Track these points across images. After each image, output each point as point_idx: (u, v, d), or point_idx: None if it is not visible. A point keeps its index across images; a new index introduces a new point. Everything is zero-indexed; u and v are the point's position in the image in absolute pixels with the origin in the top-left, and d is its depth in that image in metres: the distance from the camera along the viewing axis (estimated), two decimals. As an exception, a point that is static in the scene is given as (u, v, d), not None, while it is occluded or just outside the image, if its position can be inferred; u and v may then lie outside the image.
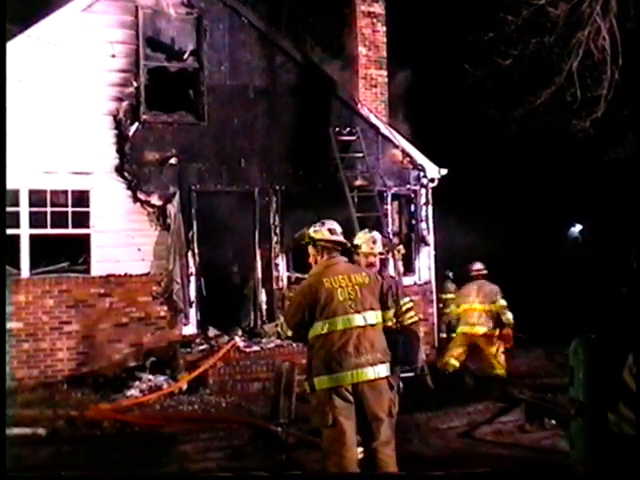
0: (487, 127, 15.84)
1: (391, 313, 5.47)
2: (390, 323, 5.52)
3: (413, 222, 13.67)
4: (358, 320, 5.14)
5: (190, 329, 11.73)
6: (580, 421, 5.34)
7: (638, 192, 13.98)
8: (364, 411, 5.07)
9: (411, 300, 6.81)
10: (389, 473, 5.08)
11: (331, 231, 5.46)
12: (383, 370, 5.12)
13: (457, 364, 10.50)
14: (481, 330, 10.32)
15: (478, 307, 10.38)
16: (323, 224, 5.53)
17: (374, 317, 5.21)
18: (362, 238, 6.50)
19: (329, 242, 5.42)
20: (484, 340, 10.34)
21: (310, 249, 5.50)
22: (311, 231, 5.51)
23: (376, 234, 6.59)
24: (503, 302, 10.29)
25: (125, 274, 11.44)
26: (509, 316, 10.24)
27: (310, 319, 5.21)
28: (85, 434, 8.18)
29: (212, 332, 11.65)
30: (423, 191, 13.60)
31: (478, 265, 10.83)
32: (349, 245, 5.58)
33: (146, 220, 11.64)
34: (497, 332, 10.34)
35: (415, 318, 6.58)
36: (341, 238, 5.46)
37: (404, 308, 6.42)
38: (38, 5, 12.01)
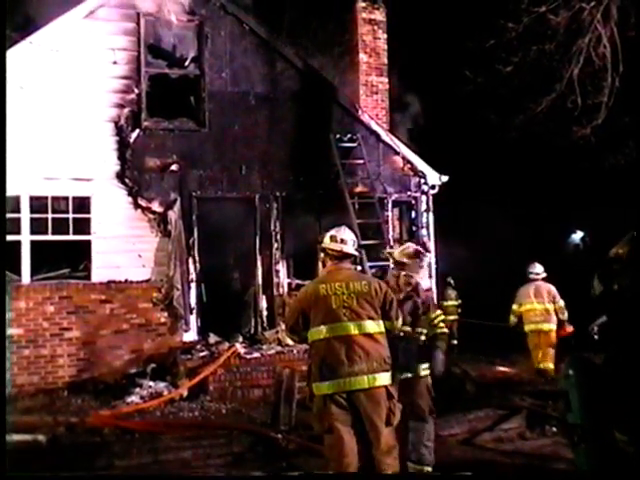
0: (488, 134, 15.86)
1: (397, 323, 5.38)
2: (397, 332, 5.50)
3: (414, 229, 13.67)
4: (352, 328, 5.13)
5: (190, 335, 11.72)
6: (584, 447, 5.22)
7: (639, 199, 13.99)
8: (362, 419, 5.07)
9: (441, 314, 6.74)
10: (389, 474, 5.07)
11: (332, 238, 5.47)
12: (380, 379, 5.09)
13: (552, 365, 11.09)
14: (546, 327, 11.21)
15: (539, 307, 11.26)
16: (338, 230, 5.54)
17: (372, 326, 5.17)
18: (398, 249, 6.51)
19: (328, 249, 5.44)
20: (546, 336, 11.22)
21: (321, 254, 5.56)
22: (322, 237, 5.57)
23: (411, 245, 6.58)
24: (562, 303, 11.20)
25: (126, 280, 11.43)
26: (566, 315, 11.20)
27: (305, 324, 5.24)
28: (85, 441, 8.16)
29: (212, 338, 11.64)
30: (424, 198, 13.60)
31: (537, 268, 11.51)
32: (346, 252, 5.51)
33: (147, 226, 11.64)
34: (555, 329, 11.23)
35: (444, 330, 6.52)
36: (336, 246, 5.42)
37: (435, 321, 6.40)
38: (40, 12, 12.04)
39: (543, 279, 11.49)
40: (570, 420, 5.35)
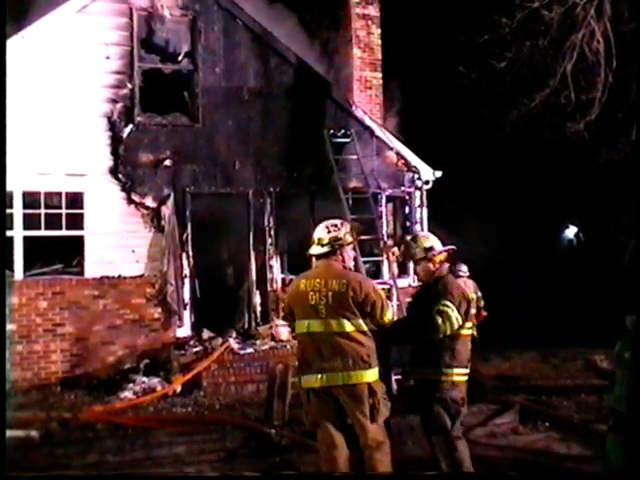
0: (482, 129, 15.86)
1: (386, 319, 5.24)
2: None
3: (407, 224, 13.69)
4: (325, 325, 5.12)
5: (184, 331, 11.71)
6: (618, 435, 4.90)
7: (637, 194, 14.01)
8: (346, 415, 5.12)
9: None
10: (386, 473, 5.08)
11: (319, 238, 5.39)
12: (356, 377, 5.06)
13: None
14: (472, 311, 12.65)
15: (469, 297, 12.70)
16: (316, 229, 5.45)
17: (347, 325, 5.11)
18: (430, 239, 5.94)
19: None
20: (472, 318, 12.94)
21: None
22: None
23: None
24: (480, 294, 12.96)
25: (119, 276, 11.42)
26: (483, 303, 13.12)
27: (292, 318, 5.35)
28: (78, 436, 8.15)
29: (206, 334, 11.63)
30: (417, 193, 13.62)
31: (464, 267, 12.80)
32: (311, 254, 5.38)
33: (140, 222, 11.62)
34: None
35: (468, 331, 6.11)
36: (313, 250, 5.33)
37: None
38: (32, 6, 11.99)
39: (467, 276, 13.16)
40: (610, 402, 5.11)
